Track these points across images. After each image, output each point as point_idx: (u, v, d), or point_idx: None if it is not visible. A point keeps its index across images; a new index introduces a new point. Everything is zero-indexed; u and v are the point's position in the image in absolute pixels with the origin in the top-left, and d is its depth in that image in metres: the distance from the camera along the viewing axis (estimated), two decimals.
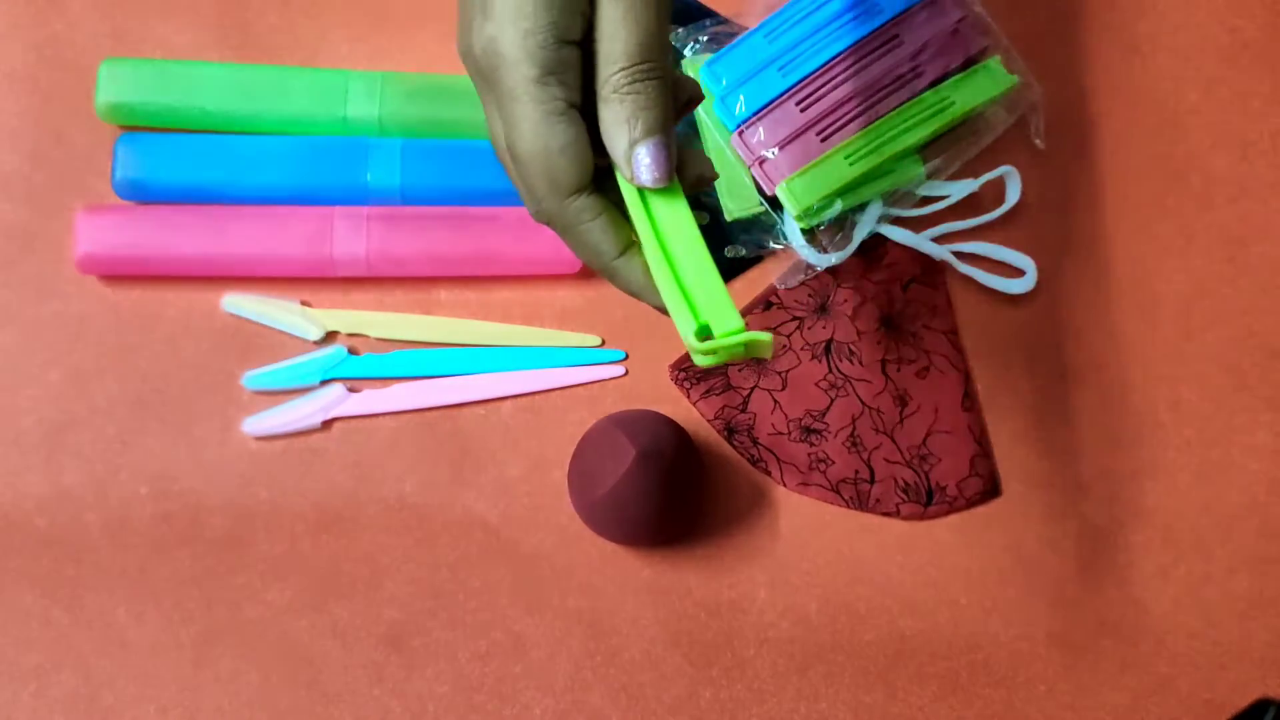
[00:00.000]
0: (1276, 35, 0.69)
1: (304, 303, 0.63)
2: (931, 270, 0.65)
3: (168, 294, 0.62)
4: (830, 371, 0.63)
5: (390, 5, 0.66)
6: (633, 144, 0.41)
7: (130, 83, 0.62)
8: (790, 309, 0.64)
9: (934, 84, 0.63)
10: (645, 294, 0.44)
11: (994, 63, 0.64)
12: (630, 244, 0.43)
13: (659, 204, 0.42)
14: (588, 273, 0.64)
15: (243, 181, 0.62)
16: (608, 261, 0.43)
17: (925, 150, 0.65)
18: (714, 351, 0.41)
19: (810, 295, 0.65)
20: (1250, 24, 0.69)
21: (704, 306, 0.41)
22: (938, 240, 0.65)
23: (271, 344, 0.62)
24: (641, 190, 0.42)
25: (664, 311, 0.43)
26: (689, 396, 0.63)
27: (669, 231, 0.42)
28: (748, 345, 0.41)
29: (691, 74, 0.64)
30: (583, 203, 0.42)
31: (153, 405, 0.61)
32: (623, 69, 0.41)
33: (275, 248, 0.61)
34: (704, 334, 0.41)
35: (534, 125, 0.41)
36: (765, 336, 0.41)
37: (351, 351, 0.63)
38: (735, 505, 0.62)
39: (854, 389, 0.63)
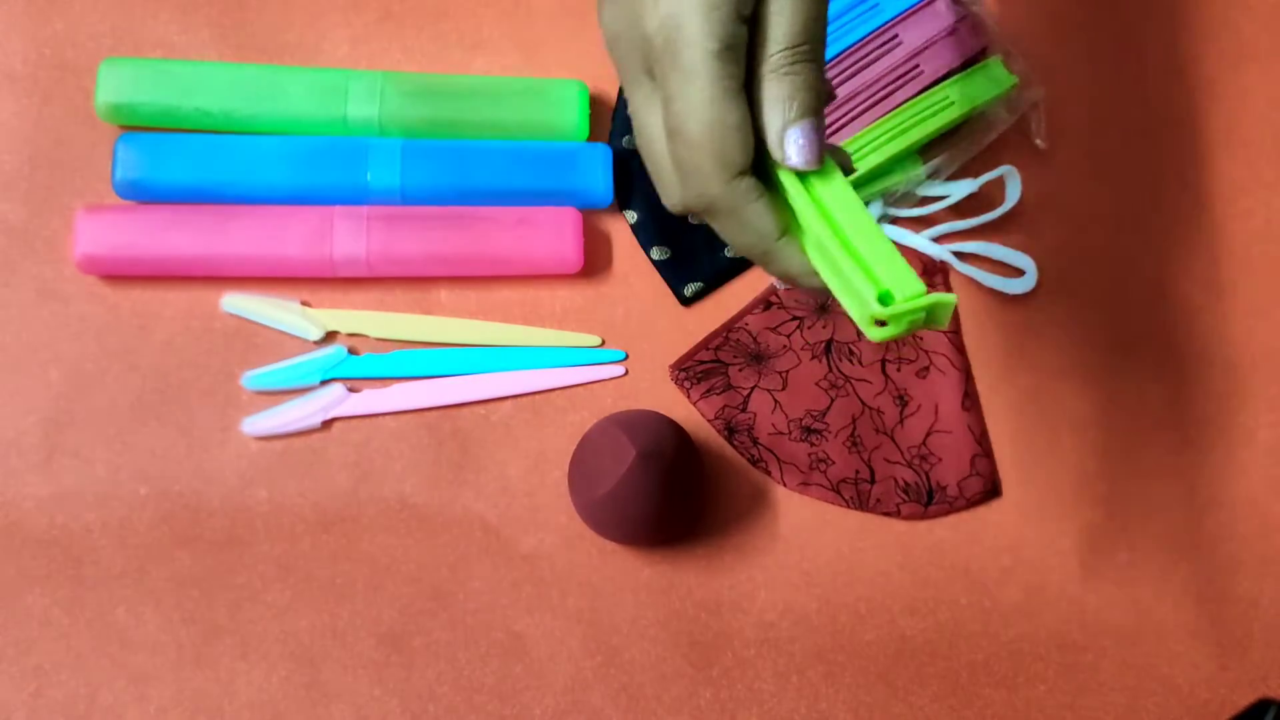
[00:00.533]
0: (1276, 35, 0.69)
1: (304, 303, 0.63)
2: (931, 270, 0.65)
3: (168, 294, 0.62)
4: (830, 371, 0.63)
5: (390, 5, 0.66)
6: (787, 124, 0.41)
7: (130, 83, 0.62)
8: (790, 309, 0.64)
9: (934, 84, 0.63)
10: (805, 275, 0.43)
11: (994, 63, 0.64)
12: (789, 226, 0.43)
13: (818, 182, 0.42)
14: (588, 273, 0.64)
15: (243, 181, 0.62)
16: (771, 244, 0.43)
17: (925, 150, 0.65)
18: (896, 318, 0.40)
19: (810, 295, 0.65)
20: (1250, 24, 0.69)
21: (883, 275, 0.41)
22: (938, 240, 0.65)
23: (271, 344, 0.62)
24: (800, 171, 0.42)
25: (821, 293, 0.43)
26: (689, 396, 0.63)
27: (834, 206, 0.42)
28: (930, 310, 0.40)
29: None
30: (749, 183, 0.42)
31: (153, 405, 0.61)
32: (786, 49, 0.41)
33: (275, 248, 0.61)
34: (886, 301, 0.41)
35: (711, 102, 0.40)
36: (949, 298, 0.40)
37: (351, 351, 0.63)
38: (735, 505, 0.62)
39: (854, 389, 0.63)
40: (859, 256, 0.41)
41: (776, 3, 0.41)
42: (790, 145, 0.41)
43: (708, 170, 0.42)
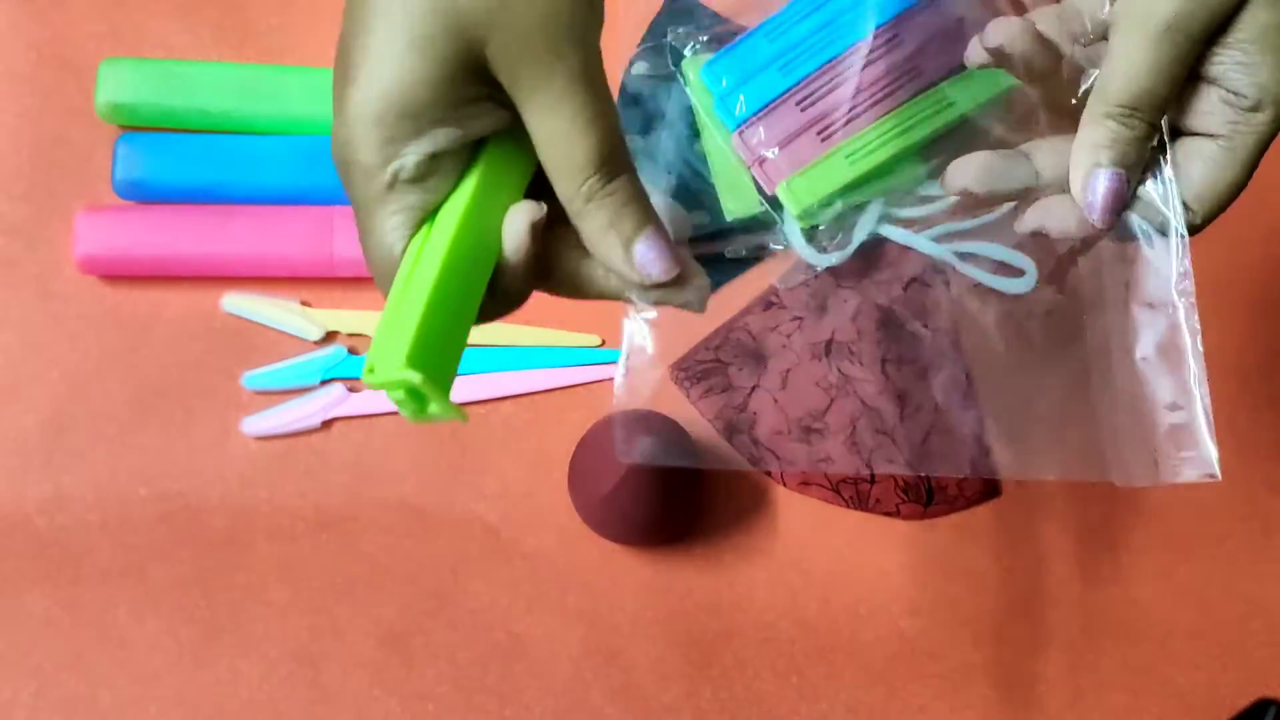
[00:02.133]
0: None
1: (304, 303, 0.63)
2: (931, 270, 0.65)
3: (168, 294, 0.62)
4: (830, 371, 0.63)
5: None
6: (627, 245, 0.38)
7: (130, 83, 0.62)
8: (790, 309, 0.64)
9: (934, 84, 0.63)
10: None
11: None
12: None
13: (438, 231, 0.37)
14: None
15: (243, 181, 0.62)
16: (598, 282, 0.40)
17: (925, 150, 0.65)
18: (378, 385, 0.35)
19: (810, 295, 0.65)
20: None
21: (387, 342, 0.35)
22: (938, 240, 0.65)
23: (271, 344, 0.62)
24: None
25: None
26: (689, 396, 0.63)
27: (426, 258, 0.37)
28: (411, 394, 0.35)
29: (691, 74, 0.64)
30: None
31: (153, 405, 0.61)
32: (588, 179, 0.37)
33: (275, 248, 0.61)
34: (370, 369, 0.36)
35: (380, 238, 0.38)
36: (434, 406, 0.35)
37: (351, 351, 0.63)
38: (735, 505, 0.62)
39: (854, 389, 0.63)
40: (398, 310, 0.36)
41: (552, 139, 0.37)
42: (643, 263, 0.38)
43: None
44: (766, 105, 0.62)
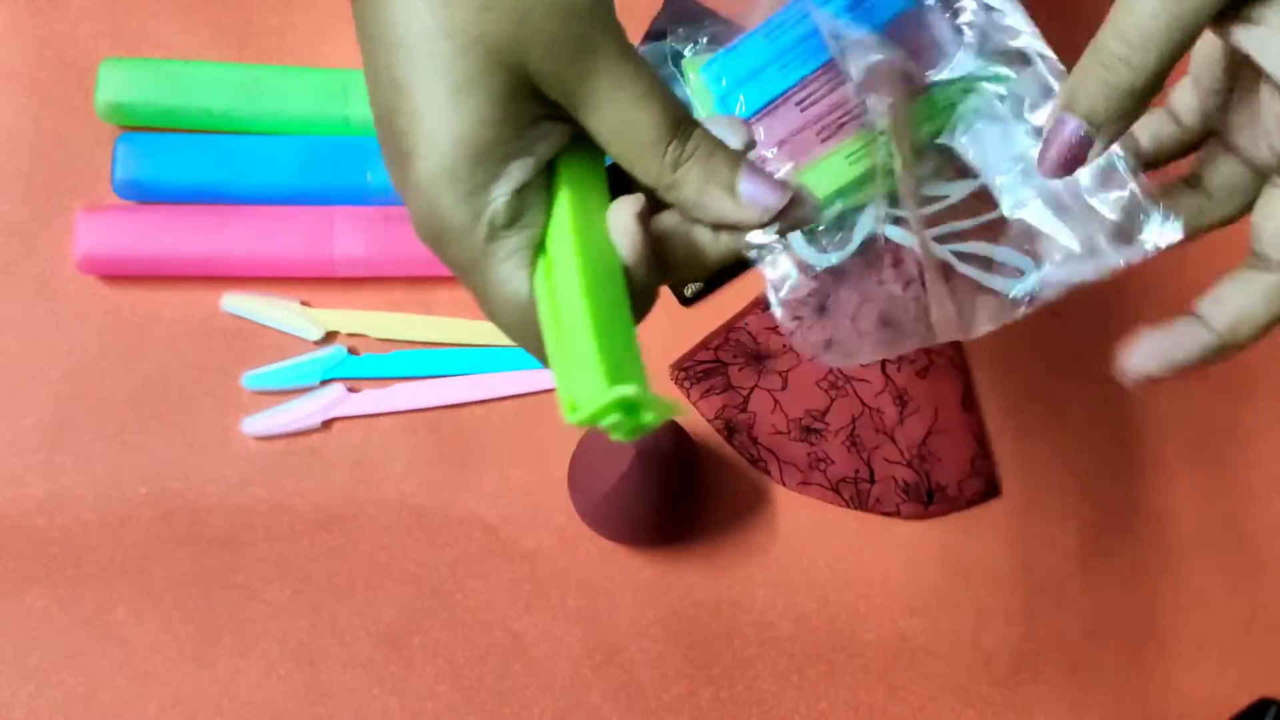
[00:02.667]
0: None
1: (304, 303, 0.63)
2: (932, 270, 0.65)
3: (168, 294, 0.62)
4: (830, 371, 0.63)
5: None
6: (730, 189, 0.37)
7: (130, 83, 0.62)
8: (790, 309, 0.64)
9: (934, 84, 0.63)
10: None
11: None
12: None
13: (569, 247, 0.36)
14: None
15: (243, 181, 0.62)
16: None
17: (925, 149, 0.65)
18: (586, 418, 0.34)
19: (810, 295, 0.65)
20: None
21: (577, 376, 0.35)
22: (938, 240, 0.65)
23: (271, 344, 0.62)
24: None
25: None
26: (689, 396, 0.63)
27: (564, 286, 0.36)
28: (628, 411, 0.34)
29: (692, 74, 0.64)
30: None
31: (153, 405, 0.61)
32: (668, 146, 0.37)
33: (275, 248, 0.61)
34: (572, 408, 0.35)
35: (498, 287, 0.36)
36: (650, 411, 0.34)
37: (351, 351, 0.63)
38: (735, 505, 0.62)
39: (854, 389, 0.63)
40: (567, 346, 0.36)
41: (615, 127, 0.36)
42: (753, 197, 0.37)
43: (535, 350, 0.37)
44: (766, 105, 0.62)
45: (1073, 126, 0.37)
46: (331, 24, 0.66)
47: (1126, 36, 0.35)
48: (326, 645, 0.60)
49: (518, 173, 0.35)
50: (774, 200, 0.37)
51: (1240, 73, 0.40)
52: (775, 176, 0.38)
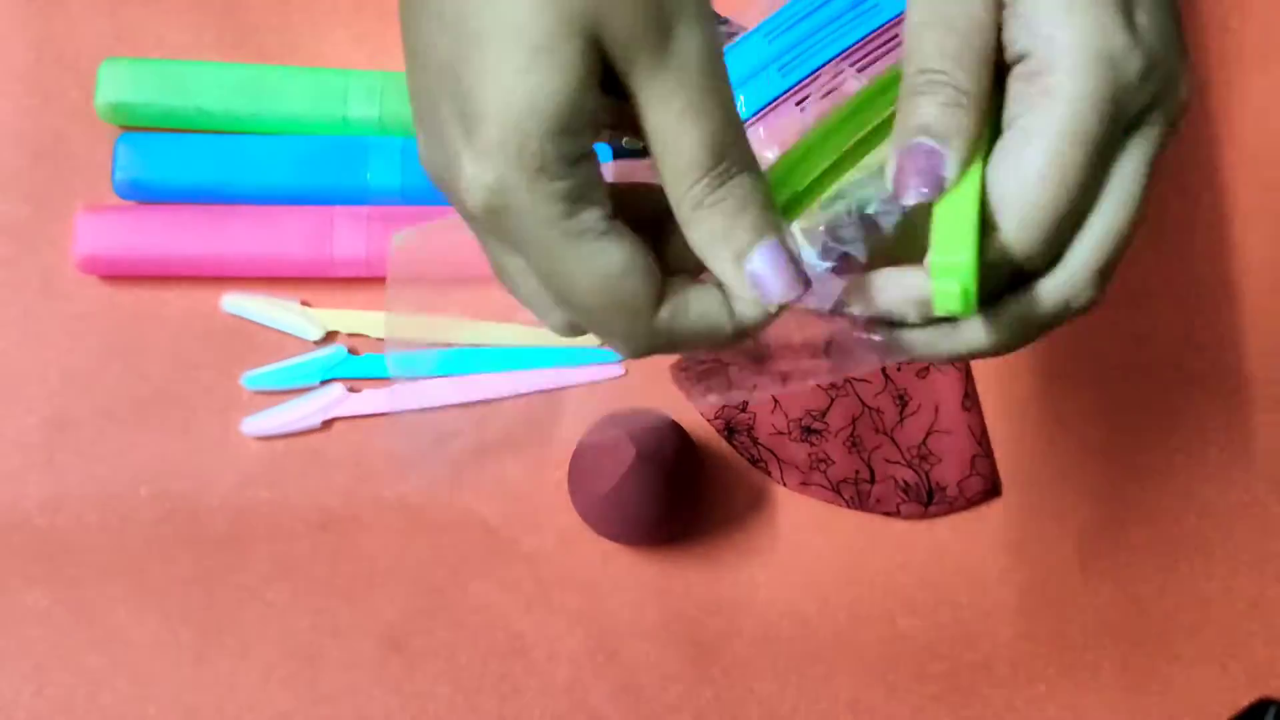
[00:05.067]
0: (1275, 36, 0.69)
1: (304, 303, 0.63)
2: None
3: (168, 294, 0.62)
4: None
5: (391, 5, 0.66)
6: (738, 258, 0.34)
7: (130, 83, 0.62)
8: (790, 308, 0.64)
9: None
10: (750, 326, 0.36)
11: None
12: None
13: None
14: None
15: (243, 181, 0.62)
16: (730, 330, 0.35)
17: None
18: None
19: (810, 295, 0.65)
20: (1248, 25, 0.69)
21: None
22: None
23: (271, 344, 0.62)
24: None
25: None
26: (689, 396, 0.63)
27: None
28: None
29: None
30: (676, 306, 0.34)
31: (153, 405, 0.61)
32: (697, 181, 0.33)
33: (275, 248, 0.61)
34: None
35: (580, 264, 0.33)
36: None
37: (351, 351, 0.63)
38: (735, 505, 0.62)
39: (854, 389, 0.63)
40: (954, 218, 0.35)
41: (664, 133, 0.33)
42: (758, 282, 0.35)
43: (624, 328, 0.35)
44: (766, 105, 0.62)
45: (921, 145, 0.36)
46: (331, 24, 0.66)
47: (940, 55, 0.35)
48: (327, 645, 0.60)
49: (589, 144, 0.32)
50: (777, 293, 0.34)
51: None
52: (795, 276, 0.34)
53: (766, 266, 0.34)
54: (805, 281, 0.35)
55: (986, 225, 0.35)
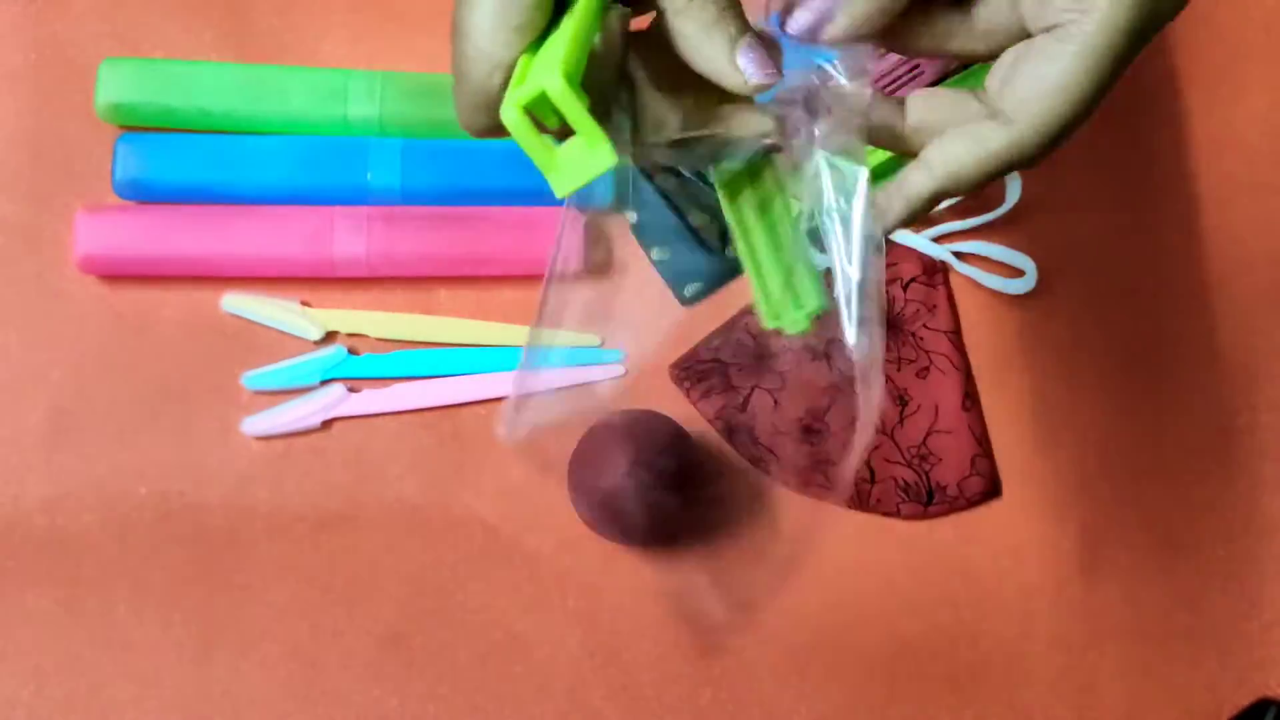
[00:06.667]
0: (1275, 36, 0.69)
1: (304, 303, 0.63)
2: (931, 270, 0.65)
3: (168, 294, 0.62)
4: (830, 371, 0.63)
5: (390, 5, 0.66)
6: (732, 42, 0.36)
7: (130, 83, 0.62)
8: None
9: (933, 84, 0.63)
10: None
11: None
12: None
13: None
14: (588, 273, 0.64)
15: (243, 181, 0.62)
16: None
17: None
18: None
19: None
20: (1249, 24, 0.69)
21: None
22: (938, 240, 0.65)
23: (271, 344, 0.62)
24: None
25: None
26: (689, 396, 0.63)
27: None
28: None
29: None
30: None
31: (153, 405, 0.61)
32: None
33: (275, 248, 0.61)
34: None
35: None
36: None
37: (351, 351, 0.63)
38: (735, 505, 0.62)
39: (854, 389, 0.63)
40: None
41: None
42: (747, 63, 0.37)
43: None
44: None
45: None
46: (331, 24, 0.66)
47: None
48: (327, 646, 0.60)
49: None
50: (765, 76, 0.36)
51: None
52: (775, 61, 0.37)
53: (753, 52, 0.36)
54: (779, 70, 0.37)
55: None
